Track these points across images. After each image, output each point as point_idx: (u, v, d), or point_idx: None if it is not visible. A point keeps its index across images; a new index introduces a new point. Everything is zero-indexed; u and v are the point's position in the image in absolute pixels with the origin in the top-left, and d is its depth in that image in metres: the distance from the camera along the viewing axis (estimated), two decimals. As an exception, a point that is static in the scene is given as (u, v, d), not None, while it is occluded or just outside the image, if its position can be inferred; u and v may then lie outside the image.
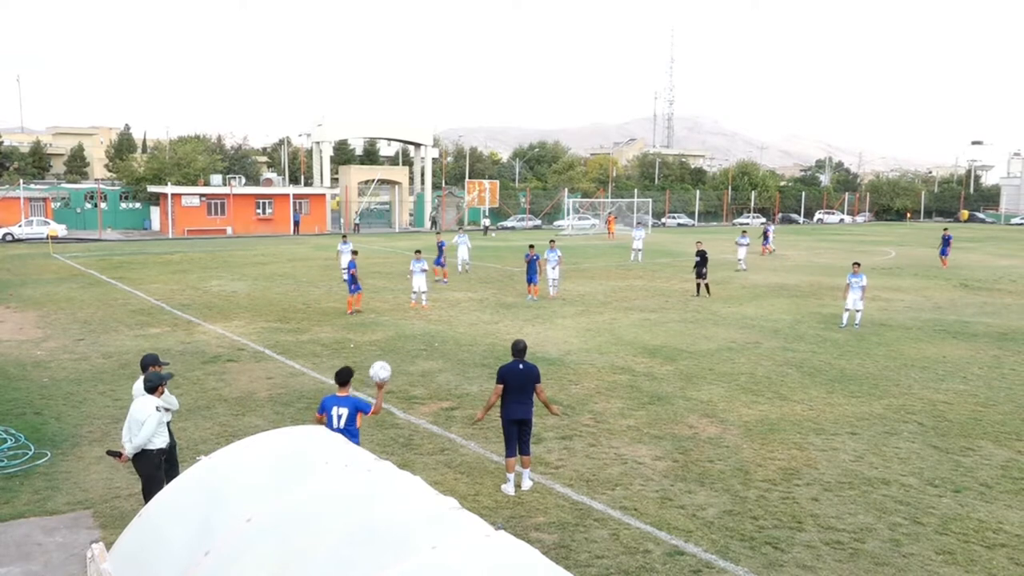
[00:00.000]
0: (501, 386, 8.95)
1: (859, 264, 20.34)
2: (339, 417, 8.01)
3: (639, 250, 36.91)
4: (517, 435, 9.11)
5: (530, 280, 23.60)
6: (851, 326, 19.53)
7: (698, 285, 25.06)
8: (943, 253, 35.69)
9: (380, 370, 8.51)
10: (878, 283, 29.02)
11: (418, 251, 23.78)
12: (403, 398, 12.99)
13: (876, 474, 9.82)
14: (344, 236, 29.71)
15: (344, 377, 8.24)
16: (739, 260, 33.60)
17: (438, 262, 28.18)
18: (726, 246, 46.08)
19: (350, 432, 7.86)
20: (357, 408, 8.16)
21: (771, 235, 42.26)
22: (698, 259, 24.93)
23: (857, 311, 19.62)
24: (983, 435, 11.39)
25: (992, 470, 10.02)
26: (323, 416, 8.13)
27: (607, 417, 12.04)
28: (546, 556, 4.27)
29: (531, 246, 24.52)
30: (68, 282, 27.34)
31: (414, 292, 22.36)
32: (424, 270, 22.21)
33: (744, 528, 8.26)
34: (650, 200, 68.03)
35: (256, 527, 4.43)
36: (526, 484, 9.15)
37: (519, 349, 9.16)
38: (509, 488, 9.02)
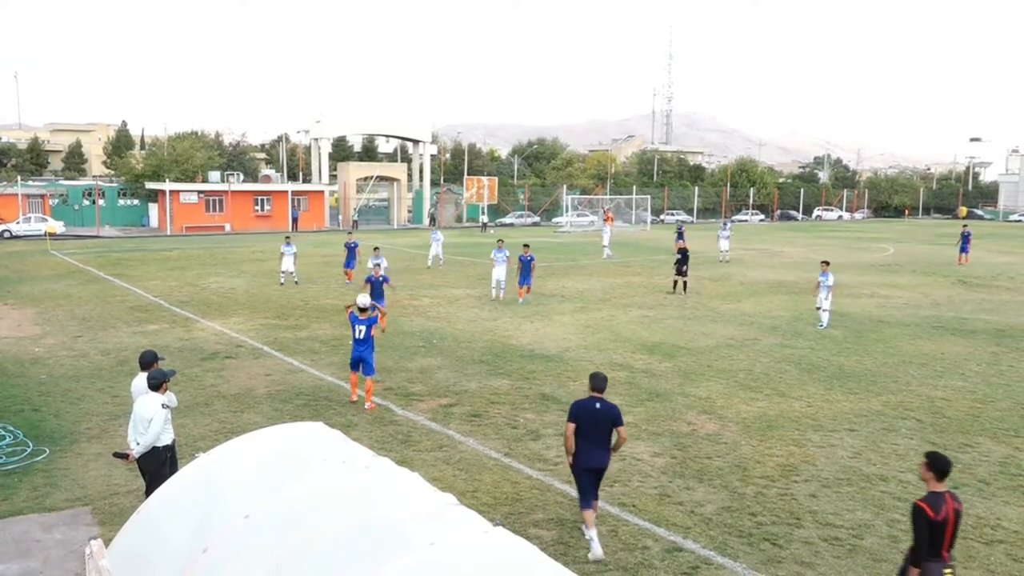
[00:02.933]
0: (573, 425, 7.66)
1: (827, 263, 20.05)
2: (360, 331, 12.27)
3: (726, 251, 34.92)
4: (594, 484, 7.76)
5: (523, 282, 22.58)
6: (818, 323, 19.30)
7: (675, 282, 24.93)
8: (963, 250, 35.65)
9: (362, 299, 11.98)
10: (876, 280, 29.06)
11: (500, 240, 24.27)
12: (402, 395, 12.99)
13: (874, 470, 9.83)
14: (287, 237, 27.48)
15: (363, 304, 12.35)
16: (722, 252, 34.09)
17: (348, 264, 27.06)
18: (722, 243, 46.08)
19: (368, 344, 12.33)
20: (371, 324, 12.29)
21: (684, 233, 37.51)
22: (679, 256, 24.92)
23: (824, 311, 19.26)
24: (981, 432, 11.41)
25: (990, 467, 10.04)
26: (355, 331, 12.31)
27: (606, 414, 12.03)
28: (545, 553, 4.27)
29: (526, 245, 23.76)
30: (66, 279, 27.31)
31: (494, 284, 22.99)
32: (507, 258, 22.69)
33: (742, 524, 8.26)
34: (648, 197, 67.99)
35: (254, 524, 4.43)
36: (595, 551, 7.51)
37: (598, 385, 7.83)
38: (596, 548, 7.46)
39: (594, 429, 7.65)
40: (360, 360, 12.38)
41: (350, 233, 33.62)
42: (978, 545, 7.89)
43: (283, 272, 25.89)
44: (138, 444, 7.71)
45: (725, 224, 34.89)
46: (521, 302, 22.41)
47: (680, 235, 31.12)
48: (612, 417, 7.70)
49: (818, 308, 19.62)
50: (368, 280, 18.74)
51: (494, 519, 4.46)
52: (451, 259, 31.01)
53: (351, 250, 27.08)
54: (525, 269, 22.52)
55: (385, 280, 19.26)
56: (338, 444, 5.41)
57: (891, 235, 57.25)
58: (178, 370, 13.71)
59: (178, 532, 4.71)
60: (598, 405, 7.72)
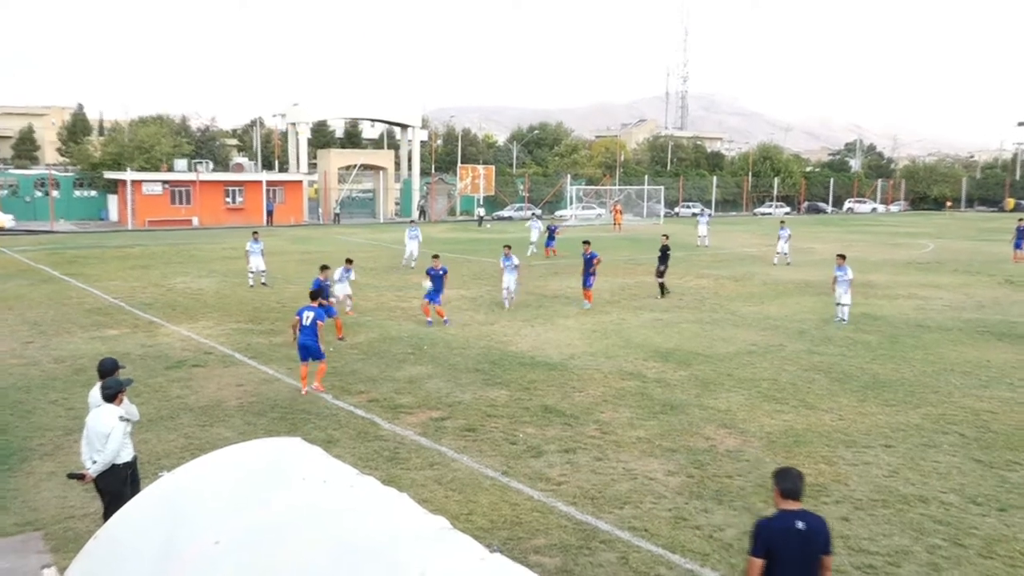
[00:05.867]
0: (761, 563, 5.48)
1: (843, 256, 21.02)
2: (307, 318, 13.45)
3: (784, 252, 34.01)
4: None
5: (587, 283, 22.23)
6: (840, 320, 20.13)
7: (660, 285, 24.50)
8: (1017, 246, 35.71)
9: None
10: (914, 280, 29.08)
11: (508, 246, 22.60)
12: (388, 407, 12.98)
13: (913, 491, 9.83)
14: (255, 233, 27.19)
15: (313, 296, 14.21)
16: (700, 237, 35.01)
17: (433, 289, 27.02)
18: (744, 238, 46.19)
19: (313, 331, 13.43)
20: (319, 316, 13.57)
21: (557, 234, 37.57)
22: (660, 254, 24.68)
23: (844, 305, 20.21)
24: (1031, 447, 11.40)
25: (1041, 486, 10.03)
26: (297, 319, 13.58)
27: (614, 428, 12.04)
28: (547, 582, 4.26)
29: (586, 242, 22.95)
30: (16, 279, 27.28)
31: (504, 294, 22.00)
32: (516, 266, 21.70)
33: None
34: (662, 187, 68.12)
35: (224, 550, 4.42)
36: None
37: (792, 488, 5.62)
38: None
39: (798, 563, 5.47)
40: (305, 348, 13.55)
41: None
42: (1028, 573, 7.88)
43: (252, 272, 25.79)
44: (94, 462, 7.68)
45: (703, 211, 36.40)
46: (587, 307, 22.05)
47: (552, 236, 35.77)
48: (823, 541, 5.57)
49: (837, 304, 20.12)
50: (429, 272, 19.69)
51: (491, 545, 4.45)
52: (443, 257, 30.95)
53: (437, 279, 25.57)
54: (586, 269, 22.21)
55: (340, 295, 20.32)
56: (318, 462, 5.39)
57: (930, 229, 57.31)
58: (141, 380, 13.70)
59: (139, 560, 4.69)
60: (801, 525, 5.49)
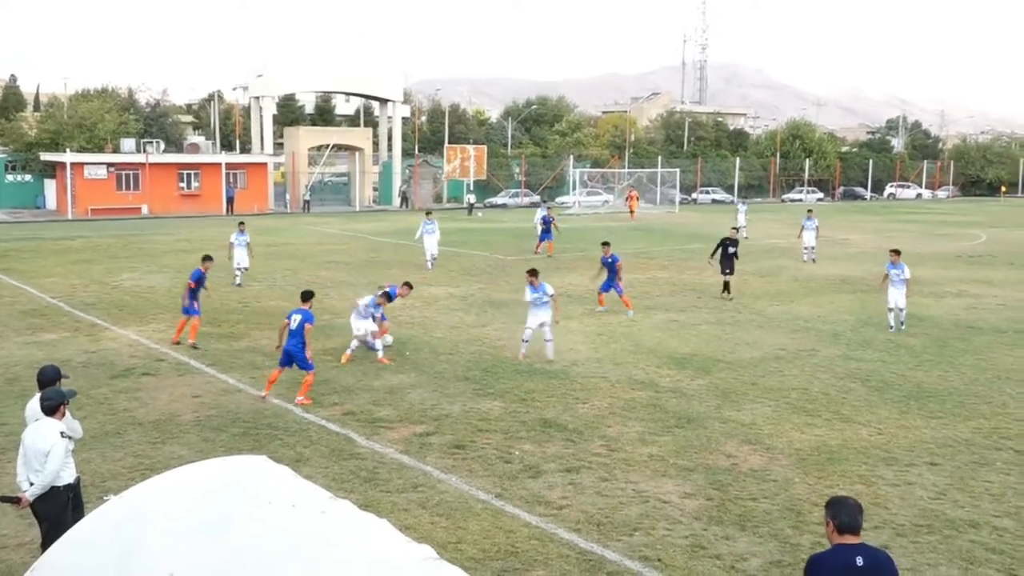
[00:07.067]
0: None
1: (898, 252, 20.37)
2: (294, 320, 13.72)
3: (812, 249, 33.38)
4: None
5: (605, 287, 21.98)
6: (898, 327, 19.68)
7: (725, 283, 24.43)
8: None
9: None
10: (965, 275, 29.17)
11: (534, 271, 18.24)
12: (366, 421, 13.00)
13: (962, 515, 9.87)
14: (241, 224, 27.30)
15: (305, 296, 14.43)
16: (740, 228, 36.10)
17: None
18: (771, 228, 46.35)
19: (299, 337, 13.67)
20: (306, 319, 13.75)
21: (554, 226, 35.57)
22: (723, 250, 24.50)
23: (900, 309, 19.74)
24: (1095, 465, 11.46)
25: (1107, 509, 10.08)
26: (286, 322, 13.92)
27: (623, 444, 12.07)
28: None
29: (606, 243, 22.38)
30: (-60, 275, 27.22)
31: (529, 329, 18.05)
32: (551, 298, 17.53)
33: (796, 583, 8.30)
34: (677, 170, 68.25)
35: (180, 582, 4.43)
36: None
37: (851, 521, 5.52)
38: None
39: None
40: (287, 355, 13.87)
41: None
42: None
43: (237, 268, 25.71)
44: (32, 484, 7.69)
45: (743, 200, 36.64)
46: (631, 315, 21.35)
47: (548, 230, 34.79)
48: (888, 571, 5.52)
49: (890, 309, 19.78)
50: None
51: (483, 577, 4.48)
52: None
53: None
54: (610, 272, 21.91)
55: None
56: (286, 483, 5.41)
57: (983, 218, 57.49)
58: (84, 390, 13.68)
59: (83, 595, 4.70)
60: (861, 561, 5.36)
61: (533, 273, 17.43)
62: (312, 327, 13.96)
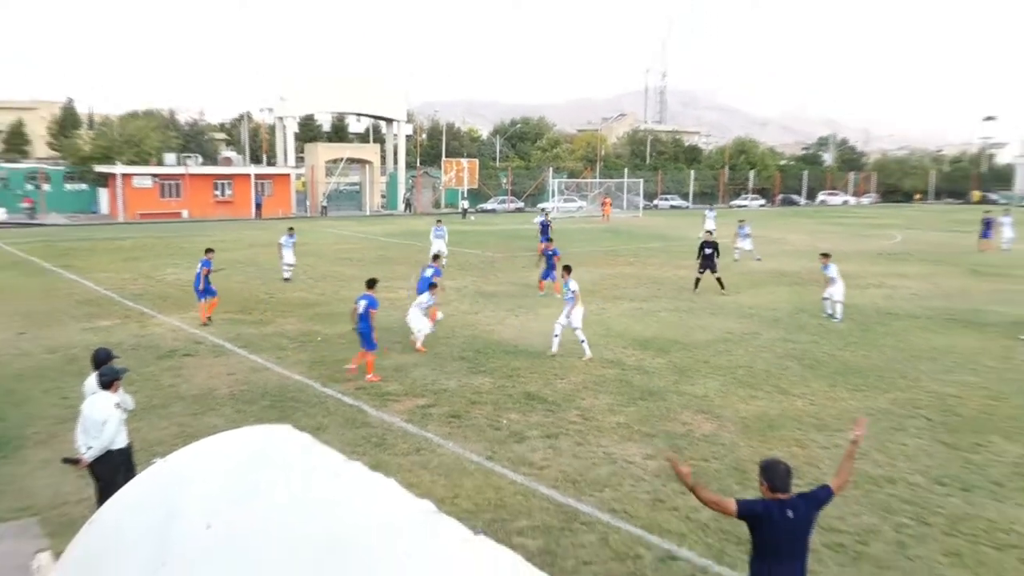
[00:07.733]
0: (735, 509, 5.79)
1: (827, 255, 20.34)
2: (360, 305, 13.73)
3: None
4: None
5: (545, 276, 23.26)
6: (833, 314, 19.62)
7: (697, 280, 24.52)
8: (985, 236, 36.45)
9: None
10: (884, 269, 29.31)
11: (567, 268, 17.48)
12: (375, 394, 12.99)
13: (881, 472, 9.96)
14: (290, 229, 26.83)
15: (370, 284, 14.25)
16: (708, 232, 35.48)
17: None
18: (719, 230, 46.43)
19: (365, 319, 13.63)
20: (371, 304, 13.71)
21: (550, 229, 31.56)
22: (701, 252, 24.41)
23: (836, 301, 19.62)
24: (994, 430, 11.57)
25: (1003, 467, 10.19)
26: (356, 306, 13.86)
27: (595, 414, 12.11)
28: (530, 562, 4.31)
29: (547, 232, 23.46)
30: (8, 270, 27.02)
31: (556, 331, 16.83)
32: (574, 294, 16.07)
33: (741, 531, 8.32)
34: (641, 180, 68.14)
35: (215, 535, 4.43)
36: None
37: (780, 483, 5.75)
38: None
39: (786, 543, 5.70)
40: (359, 335, 13.88)
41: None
42: (990, 551, 8.02)
43: (287, 265, 25.66)
44: (90, 448, 7.67)
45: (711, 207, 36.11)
46: (541, 295, 22.75)
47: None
48: (810, 523, 5.84)
49: (825, 299, 19.81)
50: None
51: (476, 527, 4.49)
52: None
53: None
54: (548, 264, 23.16)
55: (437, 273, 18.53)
56: (306, 448, 5.40)
57: (900, 221, 57.74)
58: (133, 369, 13.60)
59: (133, 544, 4.69)
60: (791, 513, 5.68)
61: (567, 269, 17.03)
62: (376, 311, 13.88)
